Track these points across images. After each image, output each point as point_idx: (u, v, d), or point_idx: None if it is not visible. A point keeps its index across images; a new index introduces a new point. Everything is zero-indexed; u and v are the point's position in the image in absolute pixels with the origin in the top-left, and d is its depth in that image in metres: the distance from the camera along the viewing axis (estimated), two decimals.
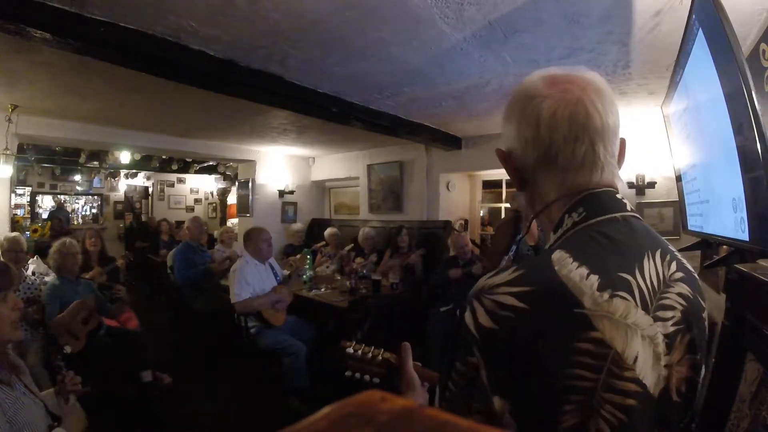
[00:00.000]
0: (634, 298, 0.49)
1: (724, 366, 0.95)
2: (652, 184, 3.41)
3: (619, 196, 0.59)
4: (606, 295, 0.48)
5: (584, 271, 0.50)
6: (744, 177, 1.00)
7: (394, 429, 0.20)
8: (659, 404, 0.50)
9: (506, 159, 0.64)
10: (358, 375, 1.00)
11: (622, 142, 0.62)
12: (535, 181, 0.62)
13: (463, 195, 5.32)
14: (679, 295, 0.54)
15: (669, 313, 0.52)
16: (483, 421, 0.50)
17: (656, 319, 0.50)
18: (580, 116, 0.56)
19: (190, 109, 3.52)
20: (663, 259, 0.55)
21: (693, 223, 1.83)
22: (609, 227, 0.55)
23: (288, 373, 2.90)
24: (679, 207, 2.23)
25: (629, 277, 0.51)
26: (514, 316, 0.48)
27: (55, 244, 2.92)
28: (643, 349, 0.48)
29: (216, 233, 8.46)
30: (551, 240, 0.60)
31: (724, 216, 1.23)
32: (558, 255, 0.52)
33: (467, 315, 0.52)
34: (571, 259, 0.51)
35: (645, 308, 0.50)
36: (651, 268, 0.53)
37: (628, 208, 0.58)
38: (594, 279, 0.49)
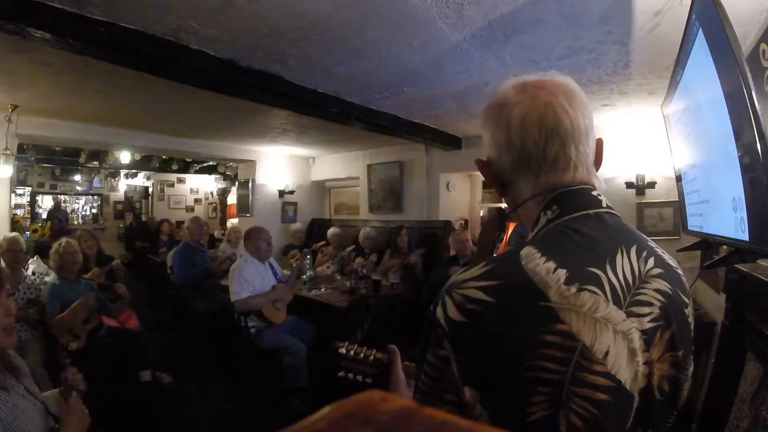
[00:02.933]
0: (604, 292, 0.50)
1: (724, 366, 0.95)
2: (652, 184, 3.41)
3: (594, 193, 0.60)
4: (573, 289, 0.49)
5: (551, 265, 0.50)
6: (744, 177, 1.00)
7: (394, 429, 0.20)
8: (641, 402, 0.50)
9: (484, 167, 0.68)
10: (351, 375, 1.01)
11: (599, 142, 0.64)
12: (512, 184, 0.64)
13: (463, 195, 5.32)
14: (657, 291, 0.54)
15: (645, 309, 0.52)
16: (455, 411, 0.51)
17: (630, 314, 0.50)
18: (549, 120, 0.58)
19: (190, 109, 3.52)
20: (639, 255, 0.55)
21: (693, 223, 1.83)
22: (581, 223, 0.56)
23: (288, 373, 2.90)
24: (679, 207, 2.23)
25: (599, 272, 0.51)
26: (481, 309, 0.50)
27: (54, 245, 2.93)
28: (615, 343, 0.48)
29: (216, 233, 8.50)
30: (528, 237, 0.61)
31: (724, 216, 1.23)
32: (527, 250, 0.53)
33: (438, 309, 0.53)
34: (539, 254, 0.52)
35: (617, 303, 0.50)
36: (624, 263, 0.53)
37: (604, 204, 0.59)
38: (561, 273, 0.49)
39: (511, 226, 3.40)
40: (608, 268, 0.52)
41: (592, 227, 0.55)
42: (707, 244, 1.81)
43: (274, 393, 3.00)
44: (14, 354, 1.35)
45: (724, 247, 1.57)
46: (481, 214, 5.52)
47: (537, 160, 0.59)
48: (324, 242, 5.18)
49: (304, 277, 3.98)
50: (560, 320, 0.48)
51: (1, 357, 1.25)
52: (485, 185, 5.37)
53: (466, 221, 5.05)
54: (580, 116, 0.59)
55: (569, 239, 0.54)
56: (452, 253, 3.90)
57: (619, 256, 0.54)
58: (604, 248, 0.54)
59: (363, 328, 3.54)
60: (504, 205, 0.72)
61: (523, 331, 0.48)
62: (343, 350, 1.02)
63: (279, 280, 3.35)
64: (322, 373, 3.00)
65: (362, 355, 1.01)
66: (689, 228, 1.91)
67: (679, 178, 2.06)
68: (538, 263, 0.51)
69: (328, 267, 4.55)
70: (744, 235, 1.04)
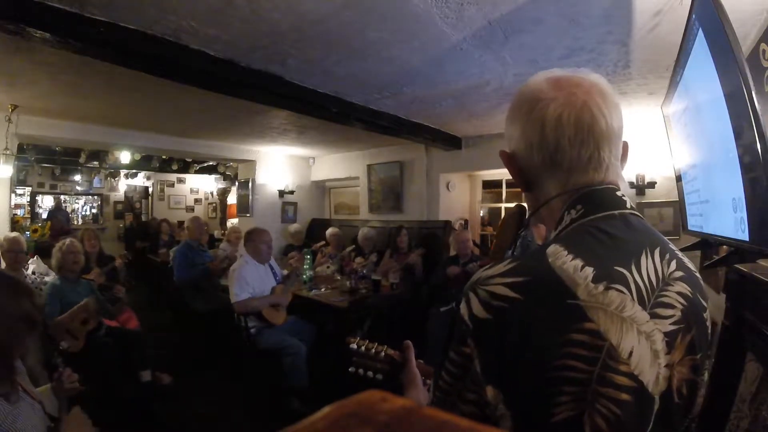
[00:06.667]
0: (630, 292, 0.49)
1: (724, 366, 0.95)
2: (652, 184, 3.41)
3: (619, 193, 0.59)
4: (601, 287, 0.48)
5: (579, 263, 0.50)
6: (744, 177, 1.00)
7: (394, 429, 0.20)
8: (661, 405, 0.50)
9: (510, 160, 0.65)
10: (361, 371, 1.00)
11: (625, 144, 0.63)
12: (539, 181, 0.62)
13: (463, 195, 5.32)
14: (679, 294, 0.53)
15: (668, 312, 0.51)
16: (476, 411, 0.51)
17: (654, 316, 0.50)
18: (585, 120, 0.56)
19: (190, 109, 3.52)
20: (662, 257, 0.55)
21: (693, 223, 1.83)
22: (606, 223, 0.55)
23: (288, 373, 2.90)
24: (679, 207, 2.23)
25: (625, 272, 0.51)
26: (507, 306, 0.49)
27: (57, 244, 2.93)
28: (639, 344, 0.48)
29: (217, 233, 8.50)
30: (551, 236, 0.60)
31: (724, 216, 1.23)
32: (553, 248, 0.52)
33: (462, 306, 0.53)
34: (565, 252, 0.51)
35: (642, 304, 0.49)
36: (649, 265, 0.53)
37: (628, 205, 0.58)
38: (589, 271, 0.49)
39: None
40: (633, 268, 0.51)
41: (616, 227, 0.55)
42: (707, 244, 1.81)
43: (274, 393, 3.00)
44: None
45: (724, 247, 1.57)
46: (481, 214, 5.52)
47: (570, 160, 0.58)
48: (324, 242, 5.18)
49: (304, 277, 3.98)
50: (588, 318, 0.47)
51: None
52: (485, 185, 5.37)
53: (466, 221, 5.05)
54: (614, 118, 0.58)
55: (595, 238, 0.53)
56: (452, 253, 3.90)
57: (643, 257, 0.53)
58: (629, 248, 0.53)
59: (363, 328, 3.53)
60: (524, 204, 0.70)
61: (550, 328, 0.47)
62: (354, 345, 1.01)
63: (279, 282, 3.35)
64: (323, 373, 3.00)
65: (374, 350, 0.99)
66: (689, 228, 1.91)
67: (679, 178, 2.06)
68: (565, 261, 0.50)
69: (328, 267, 4.55)
70: (744, 235, 1.04)
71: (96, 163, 7.02)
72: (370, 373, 0.99)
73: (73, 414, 1.37)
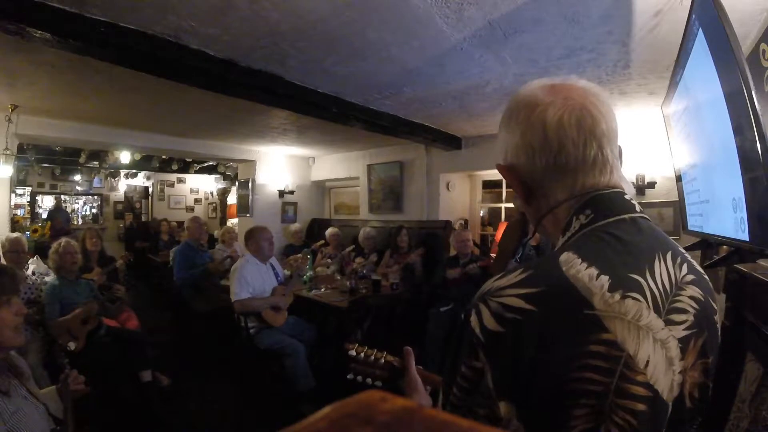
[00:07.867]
0: (646, 299, 0.48)
1: (724, 366, 0.95)
2: (652, 184, 3.41)
3: (627, 197, 0.58)
4: (617, 296, 0.47)
5: (594, 271, 0.48)
6: (744, 177, 1.00)
7: (394, 429, 0.20)
8: (673, 411, 0.49)
9: (510, 172, 0.63)
10: (360, 378, 1.00)
11: (619, 148, 0.63)
12: (543, 188, 0.61)
13: (463, 195, 5.32)
14: (691, 298, 0.53)
15: (682, 317, 0.50)
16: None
17: (668, 322, 0.49)
18: (586, 121, 0.56)
19: (190, 109, 3.52)
20: (674, 261, 0.54)
21: (693, 223, 1.84)
22: (617, 228, 0.54)
23: (291, 376, 2.88)
24: (679, 207, 2.23)
25: (640, 279, 0.50)
26: (521, 318, 0.47)
27: (54, 245, 2.92)
28: (655, 352, 0.47)
29: (216, 233, 8.50)
30: (559, 243, 0.59)
31: (724, 216, 1.23)
32: (566, 256, 0.51)
33: (472, 318, 0.51)
34: (579, 260, 0.50)
35: (657, 311, 0.49)
36: (662, 270, 0.52)
37: (637, 209, 0.58)
38: (604, 279, 0.48)
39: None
40: (648, 274, 0.50)
41: (628, 232, 0.54)
42: (707, 244, 1.81)
43: (274, 393, 2.99)
44: (16, 355, 1.35)
45: (724, 247, 1.57)
46: (481, 214, 5.52)
47: (576, 162, 0.57)
48: (323, 242, 5.18)
49: (305, 277, 3.98)
50: (605, 329, 0.46)
51: (6, 360, 1.25)
52: (485, 185, 5.37)
53: (466, 221, 5.05)
54: (611, 120, 0.58)
55: (608, 245, 0.52)
56: (452, 252, 3.90)
57: (656, 262, 0.52)
58: (642, 254, 0.52)
59: (363, 328, 3.53)
60: None
61: (567, 341, 0.46)
62: (353, 352, 1.00)
63: (280, 281, 3.34)
64: (324, 373, 3.00)
65: (372, 357, 0.99)
66: (689, 228, 1.92)
67: (679, 178, 2.07)
68: (579, 269, 0.49)
69: (328, 267, 4.55)
70: (744, 235, 1.04)
71: (96, 163, 7.02)
72: (368, 380, 0.98)
73: None
